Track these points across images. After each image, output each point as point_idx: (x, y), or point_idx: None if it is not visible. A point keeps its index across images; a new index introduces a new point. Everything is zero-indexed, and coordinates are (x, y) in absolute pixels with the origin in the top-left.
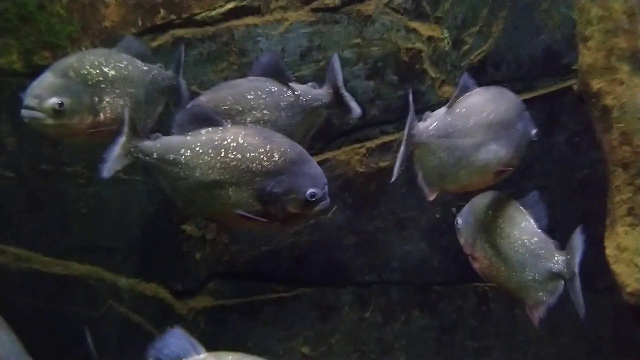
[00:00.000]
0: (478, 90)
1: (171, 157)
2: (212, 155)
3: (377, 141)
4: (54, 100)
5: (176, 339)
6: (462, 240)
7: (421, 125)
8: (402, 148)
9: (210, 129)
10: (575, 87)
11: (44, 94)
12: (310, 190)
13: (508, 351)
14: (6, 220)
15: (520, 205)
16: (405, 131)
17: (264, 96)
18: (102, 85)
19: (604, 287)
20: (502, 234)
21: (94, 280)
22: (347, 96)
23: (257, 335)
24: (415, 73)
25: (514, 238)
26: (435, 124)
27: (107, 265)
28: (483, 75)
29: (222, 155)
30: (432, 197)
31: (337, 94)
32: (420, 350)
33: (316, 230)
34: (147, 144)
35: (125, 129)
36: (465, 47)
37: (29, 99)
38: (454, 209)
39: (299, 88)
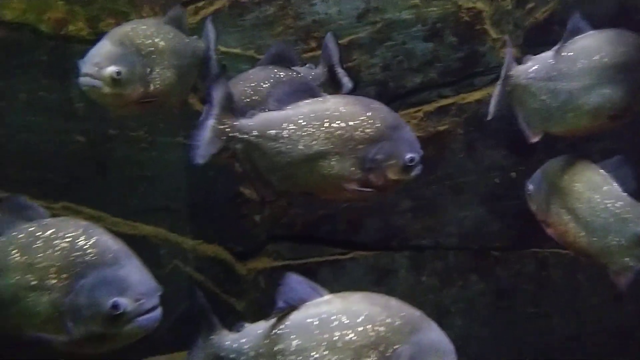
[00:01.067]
0: (592, 32)
1: (273, 132)
2: (316, 126)
3: (435, 104)
4: (112, 69)
5: (299, 284)
6: (533, 207)
7: (521, 67)
8: (498, 88)
9: (309, 100)
10: None
11: (103, 62)
12: (410, 155)
13: (567, 318)
14: (78, 182)
15: (600, 168)
16: (503, 72)
17: (275, 83)
18: (154, 56)
19: None
20: (582, 199)
21: (159, 241)
22: (341, 73)
23: None
24: (476, 34)
25: (595, 202)
26: (536, 67)
27: (171, 226)
28: (549, 34)
29: (325, 125)
30: (534, 140)
31: (331, 73)
32: (477, 315)
33: None
34: (245, 121)
35: (216, 111)
36: (530, 5)
37: (87, 67)
38: (513, 174)
39: (301, 71)
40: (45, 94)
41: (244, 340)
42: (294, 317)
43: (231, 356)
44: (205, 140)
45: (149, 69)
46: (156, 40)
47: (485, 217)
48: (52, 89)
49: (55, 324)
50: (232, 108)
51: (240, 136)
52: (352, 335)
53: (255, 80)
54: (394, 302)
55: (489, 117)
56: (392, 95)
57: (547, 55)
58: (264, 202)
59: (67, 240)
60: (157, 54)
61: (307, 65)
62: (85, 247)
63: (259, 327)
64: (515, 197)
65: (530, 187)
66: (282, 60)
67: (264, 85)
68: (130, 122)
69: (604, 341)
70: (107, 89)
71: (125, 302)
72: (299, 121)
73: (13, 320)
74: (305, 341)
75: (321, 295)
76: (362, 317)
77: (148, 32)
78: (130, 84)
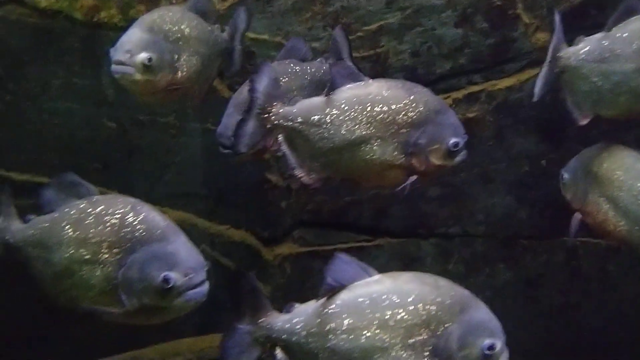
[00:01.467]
0: None
1: (316, 118)
2: (359, 110)
3: (464, 91)
4: (143, 55)
5: (348, 263)
6: (569, 195)
7: (571, 49)
8: (545, 69)
9: (350, 85)
10: None
11: (135, 49)
12: (453, 140)
13: (598, 309)
14: (109, 166)
15: None
16: (550, 53)
17: (293, 77)
18: (180, 43)
19: None
20: (622, 187)
21: (187, 226)
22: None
23: None
24: (508, 19)
25: (636, 190)
26: (587, 48)
27: (198, 211)
28: (585, 18)
29: (368, 109)
30: (584, 122)
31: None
32: (503, 304)
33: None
34: (288, 108)
35: (260, 98)
36: None
37: (119, 54)
38: (543, 162)
39: (314, 65)
40: (78, 80)
41: (295, 320)
42: (345, 296)
43: (283, 337)
44: (250, 129)
45: (176, 56)
46: (182, 27)
47: (514, 206)
48: (84, 75)
49: (108, 296)
50: (276, 95)
51: (285, 124)
52: (404, 314)
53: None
54: (443, 282)
55: (535, 99)
56: (421, 82)
57: (599, 37)
58: (290, 189)
59: (117, 216)
60: (184, 40)
61: (319, 59)
62: (134, 223)
63: (310, 307)
64: (545, 186)
65: (566, 175)
66: (295, 55)
67: (283, 80)
68: (160, 108)
69: (634, 333)
70: (138, 76)
71: (175, 277)
72: (342, 106)
73: (68, 293)
74: (357, 320)
75: (370, 275)
76: (413, 296)
77: (174, 18)
78: (160, 70)
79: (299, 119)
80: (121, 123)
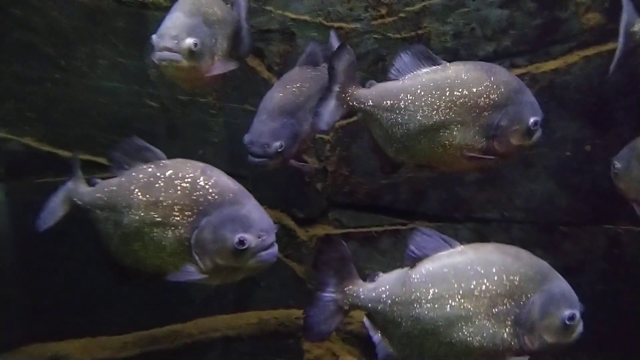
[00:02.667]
0: None
1: (389, 102)
2: (436, 95)
3: None
4: (190, 41)
5: (430, 236)
6: (622, 185)
7: None
8: (620, 45)
9: (427, 69)
10: None
11: (181, 34)
12: (534, 118)
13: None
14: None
15: None
16: (622, 28)
17: (313, 83)
18: (216, 26)
19: None
20: None
21: None
22: None
23: (375, 263)
24: None
25: None
26: None
27: None
28: None
29: (447, 94)
30: None
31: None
32: None
33: None
34: (362, 91)
35: (340, 79)
36: None
37: (166, 40)
38: (587, 147)
39: (324, 70)
40: (123, 59)
41: (381, 289)
42: (429, 266)
43: (369, 305)
44: (330, 108)
45: (214, 40)
46: (215, 9)
47: (554, 192)
48: (129, 55)
49: (180, 258)
50: (354, 77)
51: (358, 105)
52: (488, 284)
53: (299, 80)
54: (524, 253)
55: (609, 74)
56: None
57: None
58: (327, 170)
59: (188, 180)
60: (217, 23)
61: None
62: (206, 186)
63: (395, 277)
64: (588, 171)
65: (618, 164)
66: (315, 60)
67: (306, 85)
68: (199, 88)
69: None
70: (184, 62)
71: (250, 238)
72: (418, 91)
73: (137, 254)
74: (442, 290)
75: (453, 247)
76: (497, 267)
77: (209, 1)
78: (204, 55)
79: (370, 103)
80: (163, 102)
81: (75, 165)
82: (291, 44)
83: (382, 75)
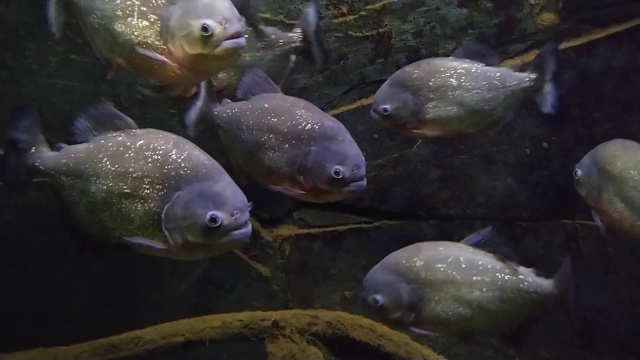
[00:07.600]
0: None
1: (241, 121)
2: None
3: None
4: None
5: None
6: (583, 192)
7: None
8: None
9: (264, 95)
10: None
11: (238, 15)
12: (337, 167)
13: (598, 290)
14: None
15: None
16: None
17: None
18: None
19: None
20: (637, 186)
21: None
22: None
23: (340, 262)
24: None
25: None
26: None
27: None
28: None
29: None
30: None
31: (305, 44)
32: None
33: (399, 163)
34: (220, 109)
35: (202, 95)
36: None
37: (235, 24)
38: (545, 144)
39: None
40: (76, 57)
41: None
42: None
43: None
44: (194, 120)
45: None
46: None
47: (514, 188)
48: (83, 52)
49: (148, 231)
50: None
51: (216, 122)
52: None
53: None
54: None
55: None
56: None
57: None
58: None
59: (159, 152)
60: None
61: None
62: (178, 160)
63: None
64: (546, 168)
65: (579, 172)
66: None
67: None
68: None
69: (633, 314)
70: None
71: (222, 216)
72: (255, 113)
73: (103, 225)
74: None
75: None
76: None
77: None
78: None
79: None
80: (120, 101)
81: (34, 129)
82: None
83: (342, 74)
